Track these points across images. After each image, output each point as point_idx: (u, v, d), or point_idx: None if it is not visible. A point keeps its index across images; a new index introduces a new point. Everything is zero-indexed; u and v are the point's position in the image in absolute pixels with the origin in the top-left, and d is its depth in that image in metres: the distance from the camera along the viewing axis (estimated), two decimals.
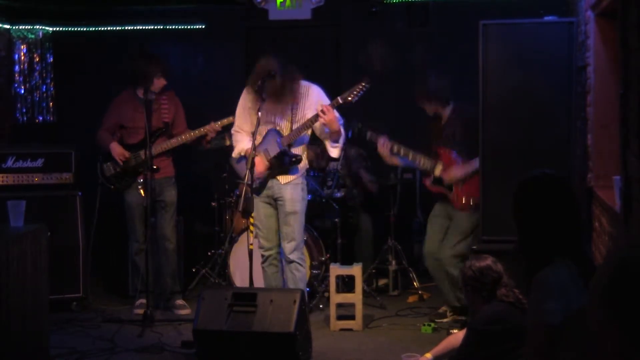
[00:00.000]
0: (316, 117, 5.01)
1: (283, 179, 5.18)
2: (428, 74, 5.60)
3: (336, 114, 5.06)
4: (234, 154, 5.35)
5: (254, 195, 5.08)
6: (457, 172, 5.42)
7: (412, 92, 5.60)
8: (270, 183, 5.18)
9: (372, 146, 5.76)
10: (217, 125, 5.73)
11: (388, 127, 5.78)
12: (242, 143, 5.25)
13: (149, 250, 5.61)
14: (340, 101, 5.03)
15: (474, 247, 4.90)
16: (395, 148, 5.56)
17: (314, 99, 5.15)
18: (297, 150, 5.18)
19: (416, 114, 5.93)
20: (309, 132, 5.21)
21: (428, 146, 5.66)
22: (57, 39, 7.26)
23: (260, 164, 5.12)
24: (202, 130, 5.78)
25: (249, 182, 4.91)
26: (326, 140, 5.19)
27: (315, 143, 5.68)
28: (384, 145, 5.57)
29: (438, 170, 5.49)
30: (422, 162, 5.53)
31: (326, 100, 5.13)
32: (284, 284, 5.26)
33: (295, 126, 5.14)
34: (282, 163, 5.13)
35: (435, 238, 5.57)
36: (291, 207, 5.14)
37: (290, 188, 5.16)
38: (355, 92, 5.00)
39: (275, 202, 5.21)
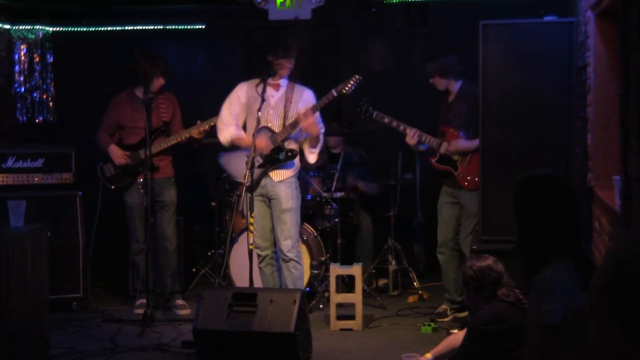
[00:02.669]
0: (296, 122, 5.06)
1: (276, 176, 5.19)
2: (440, 53, 5.66)
3: (317, 118, 5.11)
4: (223, 141, 5.31)
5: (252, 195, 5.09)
6: (462, 144, 5.46)
7: (424, 69, 5.65)
8: (263, 182, 5.20)
9: (375, 148, 5.77)
10: (205, 125, 5.70)
11: (388, 127, 5.77)
12: (227, 130, 5.25)
13: (149, 250, 5.62)
14: (335, 94, 5.12)
15: (474, 247, 4.90)
16: (402, 127, 5.61)
17: (305, 102, 5.19)
18: (291, 146, 5.21)
19: (416, 113, 5.94)
20: (298, 130, 5.25)
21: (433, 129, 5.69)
22: (57, 39, 7.26)
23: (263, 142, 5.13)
24: (190, 131, 5.74)
25: (248, 183, 4.93)
26: (304, 145, 5.22)
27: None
28: (415, 136, 5.59)
29: (444, 148, 5.51)
30: (429, 140, 5.56)
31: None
32: (281, 283, 5.27)
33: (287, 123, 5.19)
34: (277, 159, 5.15)
35: (447, 228, 5.59)
36: (286, 204, 5.16)
37: (284, 186, 5.19)
38: (349, 85, 5.13)
39: (269, 202, 5.23)
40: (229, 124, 5.28)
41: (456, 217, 5.57)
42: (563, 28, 4.81)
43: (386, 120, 5.66)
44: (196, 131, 5.72)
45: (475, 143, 5.30)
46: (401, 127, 5.62)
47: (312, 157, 5.30)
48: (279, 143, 5.15)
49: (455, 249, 5.58)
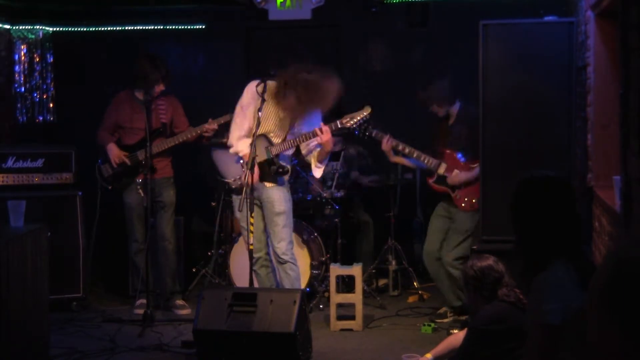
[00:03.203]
0: (313, 134, 5.04)
1: (268, 183, 5.20)
2: (430, 79, 5.61)
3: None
4: (232, 150, 5.26)
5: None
6: (462, 176, 5.45)
7: (417, 100, 5.62)
8: (255, 185, 5.19)
9: (373, 144, 5.76)
10: (215, 124, 5.72)
11: (388, 128, 5.77)
12: (242, 145, 5.21)
13: (149, 250, 5.62)
14: (339, 126, 5.09)
15: (474, 247, 4.91)
16: (400, 147, 5.59)
17: (312, 117, 5.18)
18: (282, 162, 5.20)
19: (416, 113, 5.93)
20: (294, 149, 5.24)
21: (429, 145, 5.66)
22: (57, 39, 7.26)
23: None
24: (201, 129, 5.77)
25: (249, 184, 4.93)
26: (312, 158, 5.21)
27: None
28: (388, 143, 5.59)
29: (442, 169, 5.51)
30: (427, 160, 5.55)
31: (320, 121, 5.18)
32: (278, 284, 5.25)
33: (289, 136, 5.17)
34: (268, 171, 5.15)
35: (434, 238, 5.59)
36: (279, 207, 5.16)
37: (277, 189, 5.20)
38: (355, 120, 5.14)
39: (260, 204, 5.23)
40: (241, 138, 5.20)
41: (445, 230, 5.57)
42: (563, 28, 4.81)
43: (385, 139, 5.61)
44: (206, 128, 5.72)
45: (475, 173, 5.31)
46: (400, 147, 5.59)
47: (318, 172, 5.34)
48: (272, 156, 5.14)
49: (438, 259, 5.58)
